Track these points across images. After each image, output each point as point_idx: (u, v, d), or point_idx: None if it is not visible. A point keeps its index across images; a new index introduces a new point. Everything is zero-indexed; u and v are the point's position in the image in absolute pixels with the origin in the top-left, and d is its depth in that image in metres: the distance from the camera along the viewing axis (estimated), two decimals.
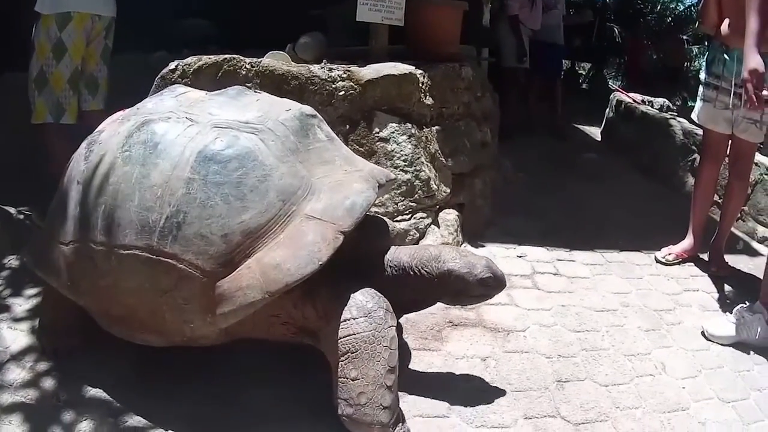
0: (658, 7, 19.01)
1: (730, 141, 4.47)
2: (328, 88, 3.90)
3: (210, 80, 3.80)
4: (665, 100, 9.16)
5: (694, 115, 4.64)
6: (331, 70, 3.97)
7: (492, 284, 2.82)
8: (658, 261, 4.72)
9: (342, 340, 2.45)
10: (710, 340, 3.66)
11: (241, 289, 2.43)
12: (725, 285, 4.39)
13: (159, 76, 3.83)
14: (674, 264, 4.70)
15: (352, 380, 2.41)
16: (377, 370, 2.40)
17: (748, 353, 3.57)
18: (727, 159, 4.64)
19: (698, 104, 4.54)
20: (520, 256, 4.41)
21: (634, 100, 8.64)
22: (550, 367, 3.22)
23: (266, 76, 3.83)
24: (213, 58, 3.85)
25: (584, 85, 15.75)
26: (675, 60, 14.85)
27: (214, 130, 2.63)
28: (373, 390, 2.39)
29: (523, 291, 3.98)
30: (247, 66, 3.85)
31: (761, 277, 3.81)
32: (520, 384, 3.06)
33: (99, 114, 4.49)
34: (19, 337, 3.19)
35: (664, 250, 4.75)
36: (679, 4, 18.97)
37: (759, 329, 3.62)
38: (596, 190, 6.22)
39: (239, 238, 2.47)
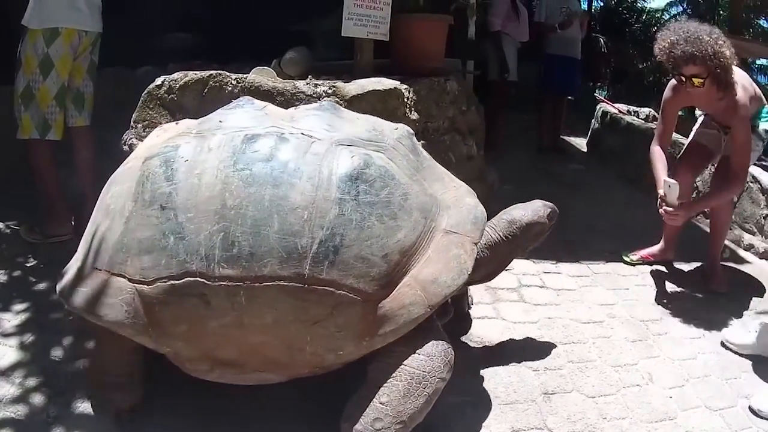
0: (644, 17, 19.14)
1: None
2: None
3: (196, 96, 3.82)
4: (650, 109, 9.21)
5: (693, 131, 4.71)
6: (316, 85, 3.97)
7: (554, 215, 3.28)
8: (622, 258, 4.87)
9: (396, 364, 2.48)
10: (730, 349, 3.66)
11: (404, 306, 2.44)
12: (711, 294, 4.42)
13: (146, 91, 3.85)
14: (637, 264, 4.82)
15: (380, 404, 2.41)
16: (406, 407, 2.41)
17: (735, 361, 3.60)
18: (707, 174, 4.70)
19: (698, 122, 4.64)
20: (506, 269, 4.41)
21: (619, 111, 8.67)
22: (536, 379, 3.23)
23: (252, 92, 3.82)
24: (199, 74, 3.86)
25: (570, 96, 15.86)
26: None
27: (343, 148, 2.54)
28: (391, 423, 2.39)
29: (510, 304, 3.99)
30: (233, 82, 3.85)
31: (750, 288, 3.83)
32: (507, 397, 3.07)
33: (84, 130, 4.52)
34: (8, 353, 3.17)
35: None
36: (665, 13, 19.12)
37: None
38: (582, 201, 6.25)
39: (397, 257, 2.46)
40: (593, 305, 4.09)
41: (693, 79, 3.86)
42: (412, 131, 2.97)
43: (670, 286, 4.51)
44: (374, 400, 2.43)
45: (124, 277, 2.45)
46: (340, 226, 2.37)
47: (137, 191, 2.50)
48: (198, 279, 2.34)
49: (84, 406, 2.81)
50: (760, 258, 5.19)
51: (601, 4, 19.21)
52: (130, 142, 3.85)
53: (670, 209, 3.90)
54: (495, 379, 3.20)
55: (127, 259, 2.44)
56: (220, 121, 2.68)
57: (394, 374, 2.45)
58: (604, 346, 3.62)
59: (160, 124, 3.82)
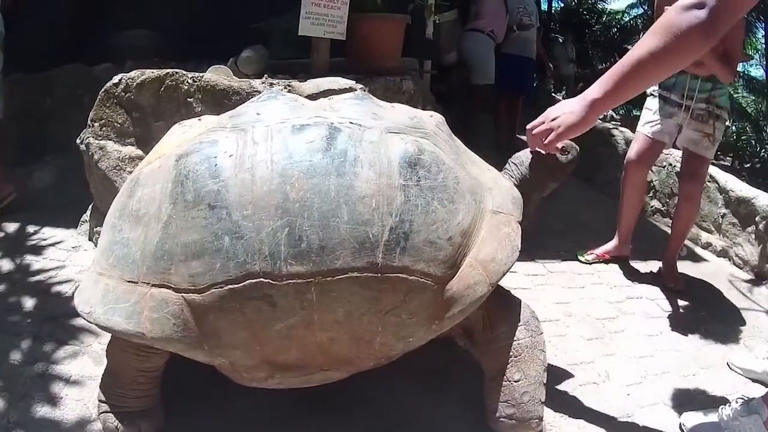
0: (604, 18, 19.30)
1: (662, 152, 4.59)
2: None
3: (152, 94, 3.82)
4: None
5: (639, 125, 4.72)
6: (271, 84, 3.95)
7: (569, 148, 3.00)
8: (577, 257, 4.90)
9: (508, 345, 2.70)
10: (734, 371, 3.59)
11: (470, 286, 2.48)
12: (668, 292, 4.46)
13: (103, 89, 3.82)
14: (593, 263, 4.85)
15: (515, 382, 2.64)
16: (537, 370, 2.67)
17: (694, 358, 3.64)
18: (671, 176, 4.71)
19: (644, 113, 4.64)
20: None
21: None
22: None
23: (208, 91, 3.81)
24: (156, 72, 3.84)
25: (525, 95, 16.01)
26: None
27: (393, 135, 2.48)
28: (534, 388, 2.65)
29: None
30: (189, 81, 3.83)
31: (707, 285, 3.84)
32: (464, 397, 3.05)
33: None
34: None
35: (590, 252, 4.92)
36: (625, 14, 19.29)
37: None
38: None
39: (459, 239, 2.46)
40: (549, 304, 4.11)
41: None
42: (443, 117, 2.92)
43: (626, 284, 4.55)
44: (509, 383, 2.66)
45: (169, 287, 2.29)
46: (407, 212, 2.34)
47: (176, 192, 2.32)
48: (262, 280, 2.22)
49: (44, 410, 2.74)
50: (718, 256, 5.25)
51: (561, 4, 19.37)
52: (87, 141, 3.82)
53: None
54: (450, 380, 3.19)
55: (170, 267, 2.28)
56: (258, 113, 2.52)
57: (513, 353, 2.68)
58: (560, 344, 3.64)
59: (117, 122, 3.81)
